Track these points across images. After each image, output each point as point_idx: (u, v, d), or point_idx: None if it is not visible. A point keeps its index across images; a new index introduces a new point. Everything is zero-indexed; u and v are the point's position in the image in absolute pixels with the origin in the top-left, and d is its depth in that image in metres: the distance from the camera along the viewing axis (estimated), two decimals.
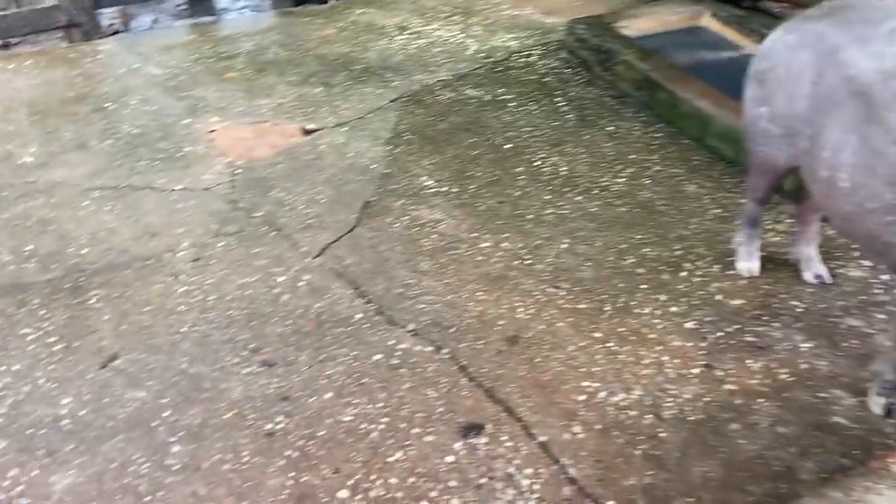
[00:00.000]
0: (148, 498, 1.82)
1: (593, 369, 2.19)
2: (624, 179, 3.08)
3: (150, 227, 2.81)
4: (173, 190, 3.04)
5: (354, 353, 2.26)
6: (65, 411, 2.06)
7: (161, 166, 3.19)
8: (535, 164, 3.20)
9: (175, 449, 1.95)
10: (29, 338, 2.30)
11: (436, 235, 2.77)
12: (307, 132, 3.49)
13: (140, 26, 4.83)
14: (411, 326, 2.36)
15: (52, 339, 2.29)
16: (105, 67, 4.04)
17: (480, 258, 2.66)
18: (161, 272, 2.59)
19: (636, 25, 4.16)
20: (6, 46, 4.55)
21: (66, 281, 2.53)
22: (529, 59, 4.14)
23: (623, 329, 2.34)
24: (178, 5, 5.02)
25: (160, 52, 4.24)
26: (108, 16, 4.79)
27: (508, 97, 3.74)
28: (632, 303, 2.44)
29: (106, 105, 3.65)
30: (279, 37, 4.48)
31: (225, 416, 2.05)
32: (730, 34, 4.12)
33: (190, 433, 2.00)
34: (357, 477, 1.88)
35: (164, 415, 2.05)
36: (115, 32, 4.62)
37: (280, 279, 2.57)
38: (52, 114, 3.54)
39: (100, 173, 3.12)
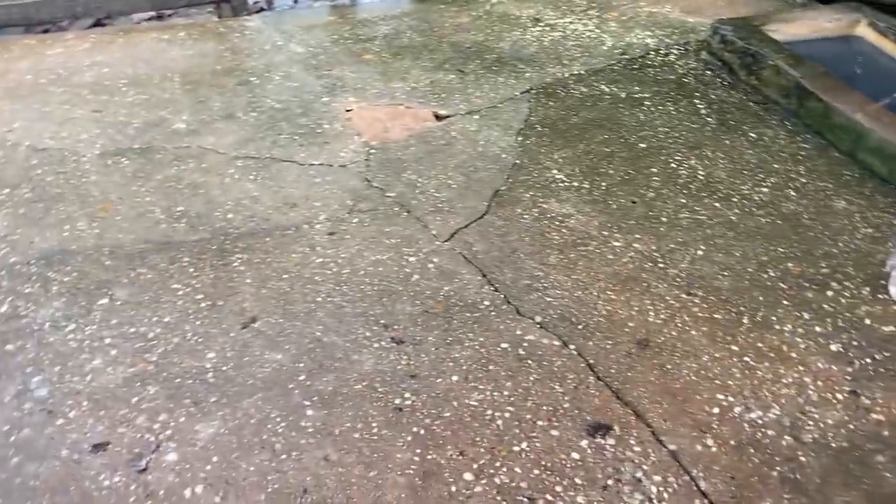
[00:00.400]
0: (283, 456, 1.91)
1: (728, 382, 2.12)
2: (766, 189, 2.95)
3: (289, 199, 2.93)
4: (312, 164, 3.15)
5: (481, 339, 2.28)
6: (209, 365, 2.18)
7: (301, 141, 3.31)
8: (671, 165, 3.11)
9: (309, 412, 2.03)
10: (179, 293, 2.44)
11: (565, 230, 2.75)
12: (440, 117, 3.53)
13: (282, 5, 5.02)
14: (538, 318, 2.35)
15: (199, 297, 2.43)
16: (251, 43, 4.22)
17: (611, 257, 2.61)
18: (299, 242, 2.69)
19: (786, 30, 3.96)
20: (160, 17, 4.84)
21: (212, 243, 2.67)
22: (668, 59, 4.02)
23: (762, 344, 2.24)
24: None
25: (302, 31, 4.39)
26: None
27: (644, 95, 3.65)
28: (772, 318, 2.34)
29: (251, 79, 3.82)
30: (415, 22, 4.54)
31: (356, 387, 2.11)
32: (888, 46, 3.86)
33: (323, 399, 2.07)
34: (482, 462, 1.90)
35: (300, 379, 2.14)
36: (260, 10, 4.83)
37: (411, 259, 2.61)
38: (203, 84, 3.73)
39: (245, 143, 3.27)
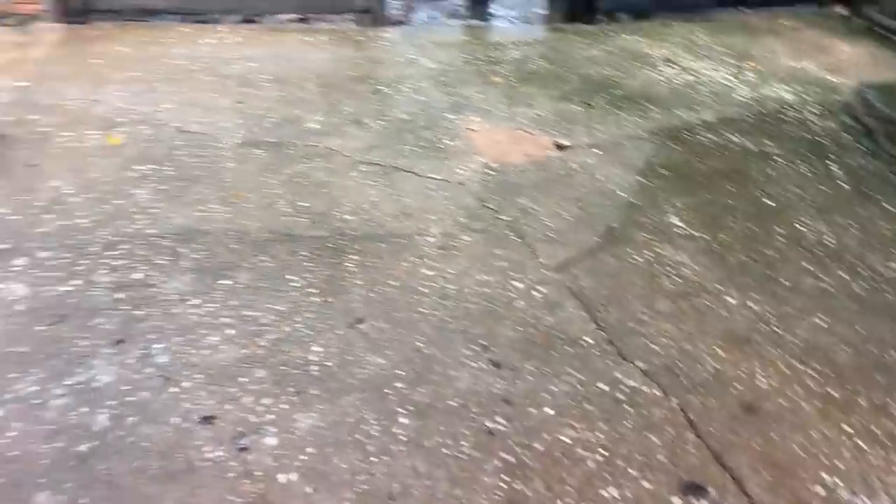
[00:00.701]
0: (374, 459, 1.95)
1: (836, 463, 2.01)
2: None
3: (406, 208, 3.01)
4: (430, 178, 3.23)
5: (580, 375, 2.26)
6: (314, 358, 2.26)
7: (423, 154, 3.40)
8: (798, 227, 2.99)
9: (403, 420, 2.07)
10: (293, 284, 2.55)
11: (678, 278, 2.69)
12: (560, 147, 3.54)
13: (419, 20, 5.17)
14: (641, 364, 2.31)
15: (312, 290, 2.53)
16: (386, 54, 4.38)
17: (724, 313, 2.53)
18: (410, 251, 2.76)
19: None
20: (305, 20, 5.09)
21: (330, 241, 2.78)
22: (804, 116, 3.88)
23: (877, 429, 2.12)
24: (457, 5, 5.32)
25: (435, 48, 4.52)
26: (393, 6, 5.19)
27: (776, 151, 3.53)
28: (891, 403, 2.20)
29: (382, 88, 3.95)
30: (545, 50, 4.58)
31: (450, 403, 2.14)
32: None
33: (417, 410, 2.11)
34: (568, 501, 1.87)
35: (397, 385, 2.18)
36: (398, 23, 5.00)
37: (517, 284, 2.63)
38: (338, 88, 3.90)
39: (370, 149, 3.39)
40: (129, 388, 2.08)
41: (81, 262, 2.54)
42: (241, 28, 4.66)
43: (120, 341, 2.23)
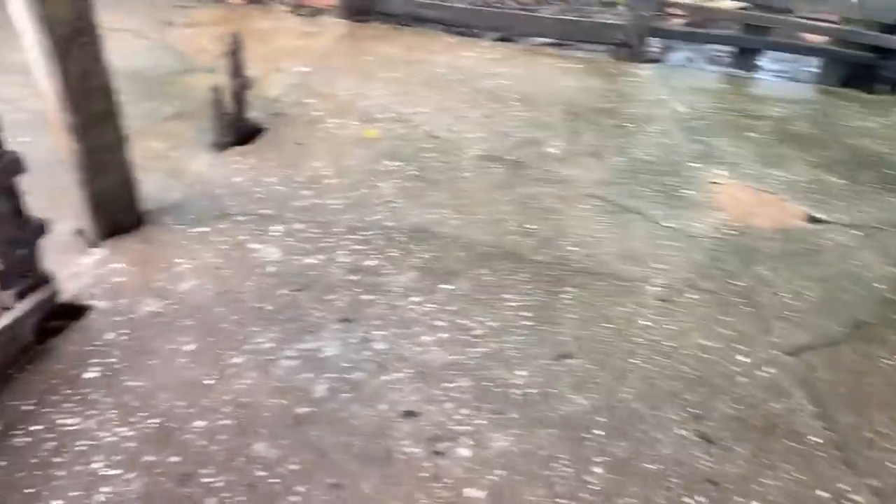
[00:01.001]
0: (561, 501, 1.90)
1: None
2: None
3: (631, 251, 2.92)
4: (663, 225, 3.10)
5: (798, 476, 2.04)
6: (517, 382, 2.26)
7: (658, 199, 3.28)
8: None
9: (596, 470, 2.00)
10: (509, 303, 2.57)
11: None
12: (813, 220, 3.25)
13: (676, 61, 5.02)
14: (872, 481, 2.04)
15: (525, 314, 2.53)
16: (637, 90, 4.30)
17: None
18: (630, 297, 2.67)
19: None
20: (560, 46, 5.15)
21: (551, 268, 2.77)
22: None
23: None
24: (719, 51, 5.09)
25: (689, 91, 4.35)
26: (652, 43, 5.08)
27: None
28: None
29: (627, 125, 3.88)
30: (811, 112, 4.23)
31: (648, 466, 2.03)
32: None
33: (614, 463, 2.03)
34: None
35: (596, 432, 2.12)
36: (654, 61, 4.89)
37: (741, 358, 2.44)
38: (582, 118, 3.89)
39: (604, 184, 3.34)
40: (349, 365, 2.22)
41: (327, 239, 2.76)
42: (499, 45, 4.83)
43: (347, 320, 2.39)
